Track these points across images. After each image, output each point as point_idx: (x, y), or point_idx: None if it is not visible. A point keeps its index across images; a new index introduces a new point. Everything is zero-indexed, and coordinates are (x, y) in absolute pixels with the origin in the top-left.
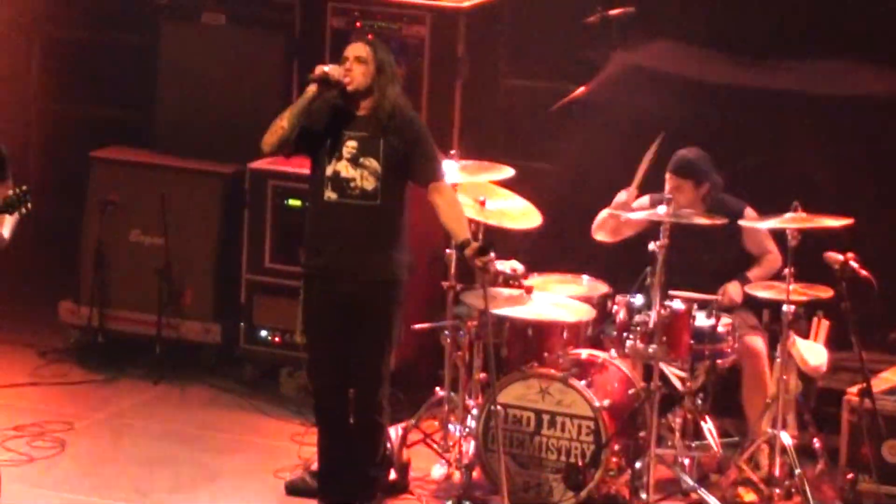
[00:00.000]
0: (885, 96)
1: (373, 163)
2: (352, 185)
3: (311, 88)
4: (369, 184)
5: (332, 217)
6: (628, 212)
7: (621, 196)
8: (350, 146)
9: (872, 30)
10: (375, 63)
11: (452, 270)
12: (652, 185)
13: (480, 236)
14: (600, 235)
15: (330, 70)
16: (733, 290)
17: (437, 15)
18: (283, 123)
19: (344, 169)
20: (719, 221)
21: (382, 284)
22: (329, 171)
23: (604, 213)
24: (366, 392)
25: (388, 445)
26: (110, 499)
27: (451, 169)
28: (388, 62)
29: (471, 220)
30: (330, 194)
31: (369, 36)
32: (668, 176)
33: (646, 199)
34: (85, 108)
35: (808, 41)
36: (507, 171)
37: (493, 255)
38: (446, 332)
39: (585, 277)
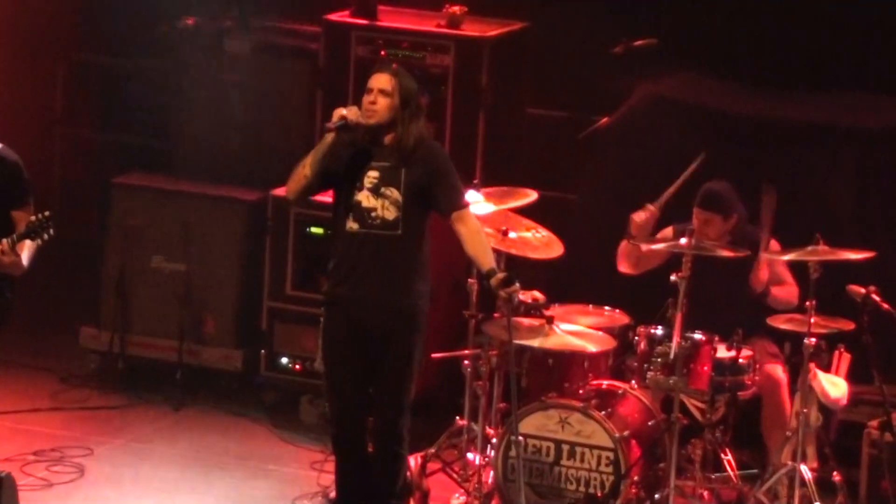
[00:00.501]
0: None
1: (394, 192)
2: (373, 214)
3: (330, 135)
4: (390, 214)
5: (354, 247)
6: (647, 237)
7: (639, 215)
8: (371, 176)
9: (891, 62)
10: (400, 95)
11: (474, 299)
12: (678, 207)
13: (503, 266)
14: (623, 267)
15: (347, 113)
16: (762, 270)
17: (461, 44)
18: (305, 172)
19: (365, 199)
20: (741, 254)
21: (403, 314)
22: (350, 201)
23: (623, 244)
24: (386, 422)
25: (408, 474)
26: None
27: (475, 198)
28: (412, 93)
29: (493, 250)
30: (351, 224)
31: (394, 65)
32: (695, 210)
33: (669, 231)
34: (108, 134)
35: (832, 72)
36: (531, 196)
37: (517, 285)
38: (467, 362)
39: (607, 308)
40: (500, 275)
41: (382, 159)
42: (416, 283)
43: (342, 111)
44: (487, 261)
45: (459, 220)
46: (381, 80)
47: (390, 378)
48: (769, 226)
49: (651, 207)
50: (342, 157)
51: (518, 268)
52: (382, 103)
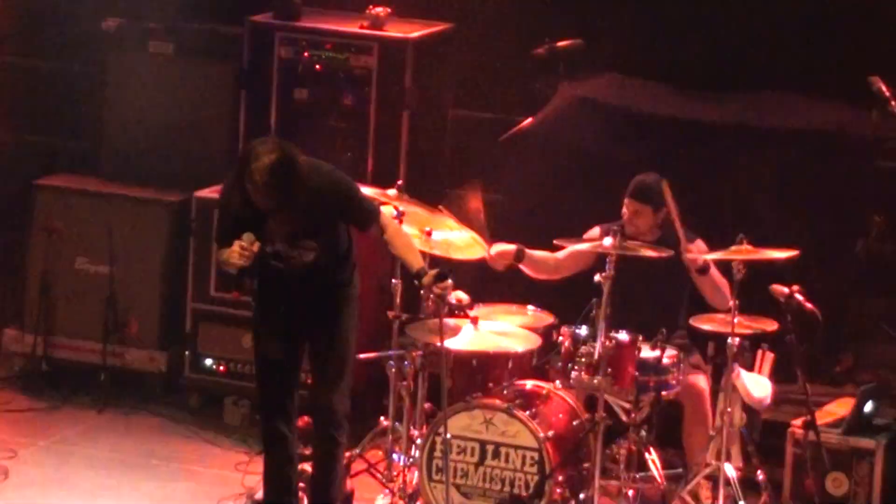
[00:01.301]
0: (830, 129)
1: (309, 242)
2: (293, 260)
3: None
4: (310, 255)
5: (282, 278)
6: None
7: (497, 247)
8: (282, 236)
9: (816, 63)
10: (280, 192)
11: (398, 301)
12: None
13: (427, 266)
14: (539, 275)
15: (239, 259)
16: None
17: (384, 45)
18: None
19: (284, 249)
20: (664, 254)
21: (331, 287)
22: (269, 248)
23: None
24: (321, 402)
25: (347, 482)
26: None
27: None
28: (286, 175)
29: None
30: (276, 263)
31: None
32: (626, 201)
33: (596, 231)
34: (31, 136)
35: (753, 73)
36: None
37: (450, 282)
38: (391, 363)
39: (530, 308)
40: (433, 272)
41: (286, 224)
42: (342, 268)
43: (237, 261)
44: (416, 260)
45: (378, 230)
46: (258, 196)
47: (323, 353)
48: (677, 215)
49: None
50: (248, 224)
51: (450, 265)
52: (271, 199)
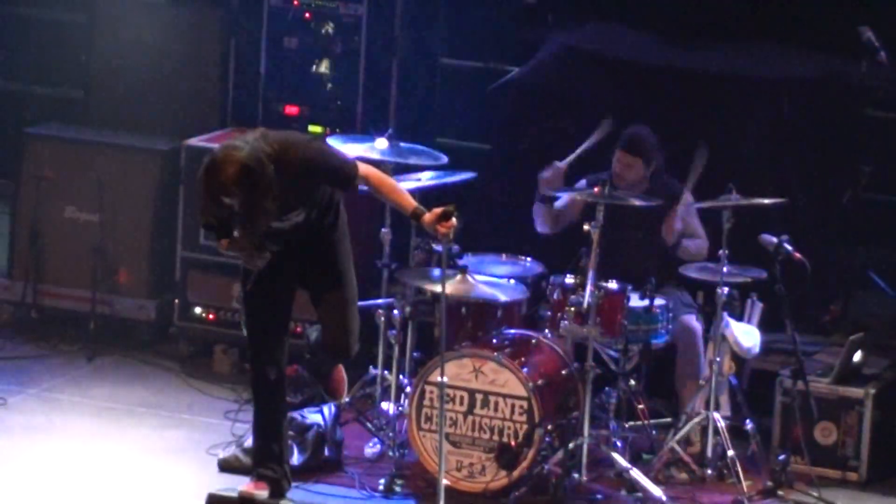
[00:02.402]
0: (819, 78)
1: (298, 214)
2: (285, 231)
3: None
4: (300, 217)
5: (273, 236)
6: (557, 188)
7: (546, 172)
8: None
9: (804, 13)
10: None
11: (387, 249)
12: (587, 167)
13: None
14: (541, 228)
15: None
16: (676, 221)
17: None
18: None
19: (275, 226)
20: (654, 203)
21: (323, 230)
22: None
23: (536, 205)
24: (336, 335)
25: (322, 423)
26: (42, 475)
27: (382, 145)
28: (252, 190)
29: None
30: (272, 246)
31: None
32: (618, 153)
33: (583, 182)
34: (21, 85)
35: (744, 23)
36: (441, 158)
37: (455, 220)
38: (381, 311)
39: (520, 257)
40: (437, 210)
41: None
42: (325, 214)
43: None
44: (408, 201)
45: (362, 183)
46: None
47: (326, 296)
48: (693, 181)
49: (558, 164)
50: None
51: (456, 202)
52: (228, 206)
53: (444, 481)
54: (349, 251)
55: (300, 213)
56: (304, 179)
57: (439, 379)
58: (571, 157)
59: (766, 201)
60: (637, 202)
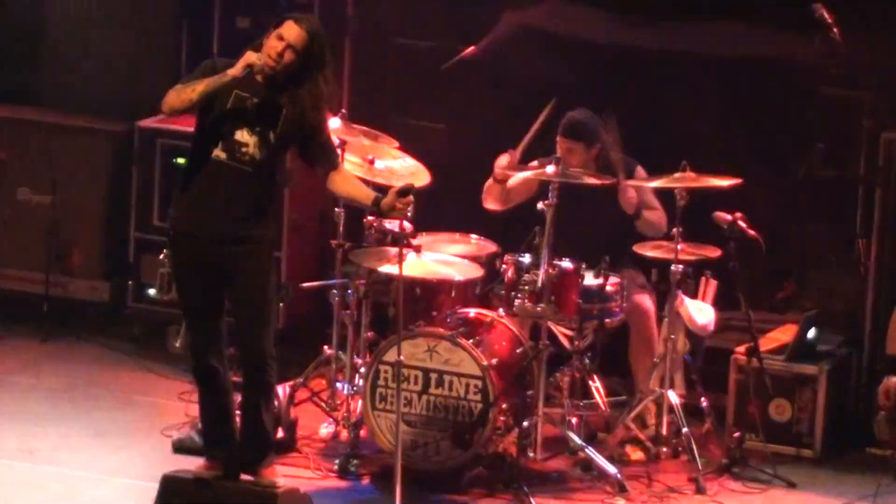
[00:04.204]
0: (773, 56)
1: (269, 133)
2: (243, 150)
3: (233, 73)
4: (259, 153)
5: (212, 175)
6: (511, 174)
7: (501, 160)
8: (251, 111)
9: None
10: (306, 55)
11: (341, 229)
12: (537, 151)
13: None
14: (490, 204)
15: (256, 60)
16: (629, 191)
17: None
18: (192, 96)
19: (240, 134)
20: (607, 181)
21: (245, 245)
22: (222, 129)
23: (489, 183)
24: (248, 353)
25: (276, 404)
26: None
27: (336, 125)
28: (319, 56)
29: (360, 179)
30: (219, 153)
31: (308, 20)
32: (558, 139)
33: (534, 163)
34: None
35: (696, 3)
36: (392, 144)
37: (412, 197)
38: (335, 291)
39: (474, 237)
40: (394, 188)
41: (267, 98)
42: (263, 219)
43: (252, 59)
44: (367, 194)
45: (336, 174)
46: (294, 35)
47: (244, 309)
48: (617, 149)
49: (512, 152)
50: (229, 90)
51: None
52: (289, 57)
53: (400, 461)
54: (272, 270)
55: (266, 145)
56: (307, 111)
57: (396, 358)
58: (525, 142)
59: (719, 182)
60: (590, 180)
